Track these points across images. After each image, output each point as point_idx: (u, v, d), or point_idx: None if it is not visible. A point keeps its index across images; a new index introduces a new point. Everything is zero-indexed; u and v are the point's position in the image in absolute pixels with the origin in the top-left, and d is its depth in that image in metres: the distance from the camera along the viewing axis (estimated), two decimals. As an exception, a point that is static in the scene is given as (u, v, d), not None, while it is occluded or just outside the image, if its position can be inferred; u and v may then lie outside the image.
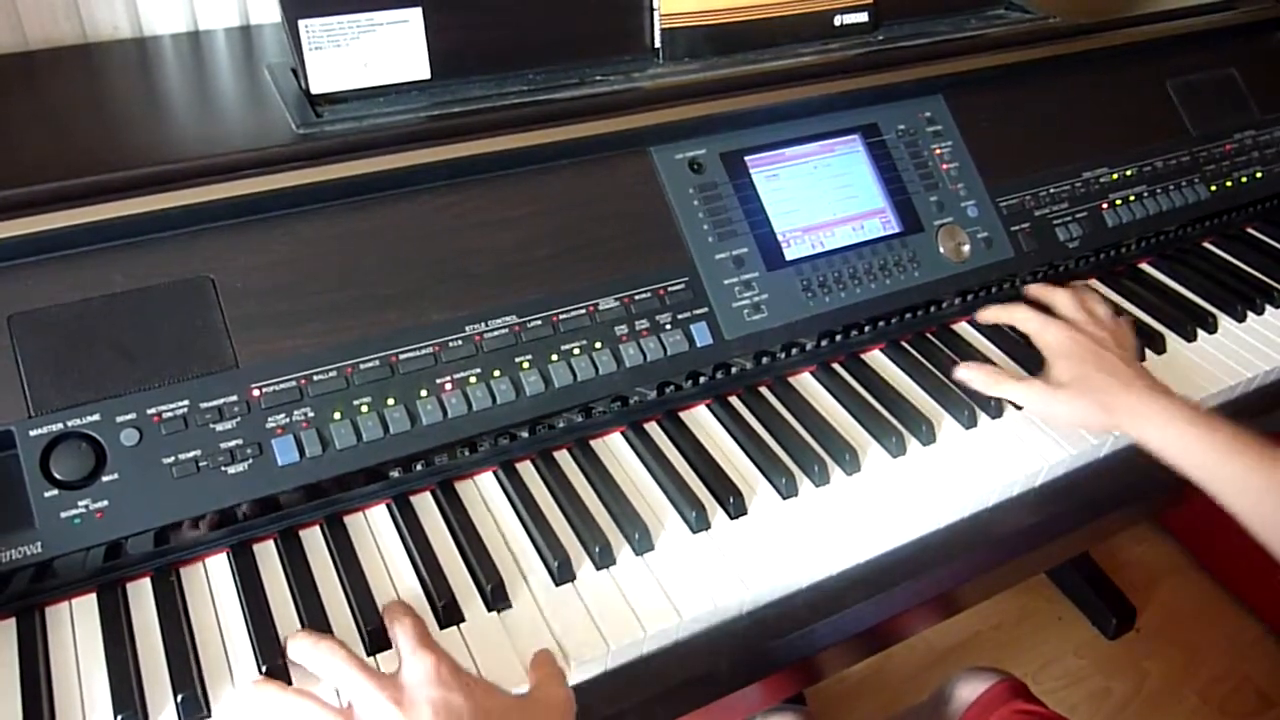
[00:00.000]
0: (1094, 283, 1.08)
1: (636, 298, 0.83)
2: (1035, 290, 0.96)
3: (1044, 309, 0.92)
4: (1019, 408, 0.89)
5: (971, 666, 1.01)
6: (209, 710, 0.63)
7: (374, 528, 0.76)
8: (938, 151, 0.99)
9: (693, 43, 0.96)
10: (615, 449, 0.84)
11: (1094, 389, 0.83)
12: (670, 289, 0.84)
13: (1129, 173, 1.08)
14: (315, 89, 0.84)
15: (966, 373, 0.89)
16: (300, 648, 0.63)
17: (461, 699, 0.58)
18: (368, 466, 0.73)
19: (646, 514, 0.77)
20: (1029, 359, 0.94)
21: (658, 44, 0.95)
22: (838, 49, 1.01)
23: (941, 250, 0.95)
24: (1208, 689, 1.64)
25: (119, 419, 0.68)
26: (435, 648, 0.62)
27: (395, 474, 0.75)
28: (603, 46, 0.94)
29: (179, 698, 0.62)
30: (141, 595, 0.69)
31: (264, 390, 0.71)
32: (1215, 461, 0.76)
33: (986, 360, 0.94)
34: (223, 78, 0.97)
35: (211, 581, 0.71)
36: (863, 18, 1.04)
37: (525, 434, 0.79)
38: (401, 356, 0.75)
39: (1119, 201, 1.06)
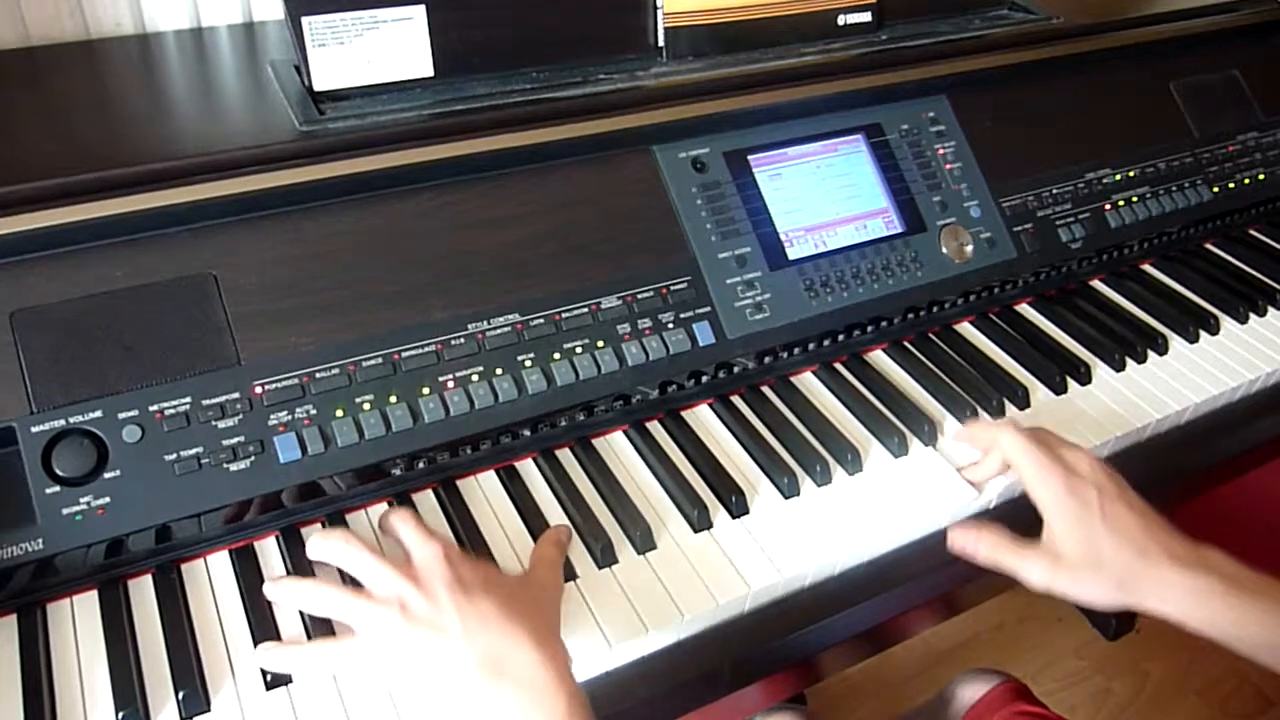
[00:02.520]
0: (1096, 283, 1.08)
1: (639, 296, 0.83)
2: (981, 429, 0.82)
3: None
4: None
5: (973, 668, 1.01)
6: (210, 707, 0.63)
7: (376, 526, 0.76)
8: (941, 152, 0.99)
9: (696, 42, 0.96)
10: (617, 448, 0.84)
11: (1107, 564, 0.70)
12: (673, 288, 0.84)
13: (1132, 174, 1.08)
14: (318, 86, 0.84)
15: (962, 536, 0.76)
16: (314, 543, 0.66)
17: (470, 573, 0.62)
18: (370, 464, 0.73)
19: (648, 513, 0.77)
20: (1042, 368, 0.94)
21: (661, 43, 0.95)
22: (841, 49, 1.01)
23: (944, 250, 0.95)
24: (1208, 690, 1.64)
25: (121, 416, 0.68)
26: (441, 535, 0.65)
27: (397, 472, 0.75)
28: (606, 45, 0.94)
29: (180, 694, 0.62)
30: (143, 592, 0.69)
31: (266, 387, 0.71)
32: (1253, 629, 0.67)
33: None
34: (225, 75, 0.96)
35: (213, 579, 0.71)
36: (866, 17, 1.04)
37: (527, 432, 0.79)
38: (404, 354, 0.75)
39: (1122, 202, 1.06)
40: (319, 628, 0.66)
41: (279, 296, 0.73)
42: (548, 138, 0.83)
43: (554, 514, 0.77)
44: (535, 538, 0.75)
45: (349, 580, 0.65)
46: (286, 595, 0.65)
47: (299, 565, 0.71)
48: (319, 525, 0.75)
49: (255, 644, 0.66)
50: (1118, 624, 1.70)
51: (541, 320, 0.79)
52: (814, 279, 0.90)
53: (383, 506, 0.77)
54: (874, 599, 0.76)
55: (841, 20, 1.02)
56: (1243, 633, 0.68)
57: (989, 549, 0.75)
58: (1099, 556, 0.70)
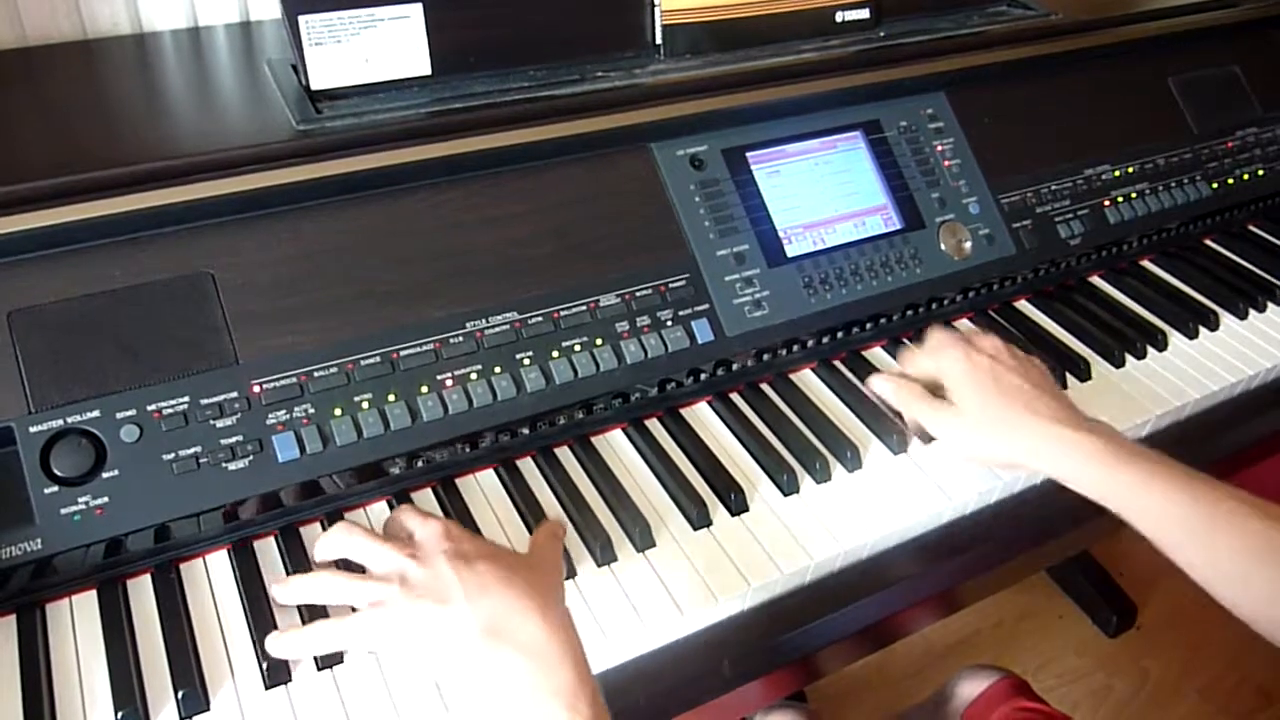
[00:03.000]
0: (1095, 280, 1.08)
1: (638, 294, 0.83)
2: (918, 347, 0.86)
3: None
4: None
5: (973, 664, 1.01)
6: (209, 706, 0.63)
7: (375, 525, 0.75)
8: (939, 148, 0.99)
9: (694, 39, 0.96)
10: (616, 446, 0.84)
11: (997, 422, 0.76)
12: (671, 285, 0.84)
13: (1131, 170, 1.07)
14: (315, 85, 0.84)
15: (880, 384, 0.83)
16: (317, 546, 0.65)
17: (470, 546, 0.62)
18: (368, 463, 0.73)
19: (648, 511, 0.77)
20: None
21: (659, 40, 0.95)
22: (839, 45, 1.01)
23: (943, 247, 0.95)
24: (1209, 687, 1.64)
25: (119, 415, 0.67)
26: (442, 516, 0.65)
27: (396, 470, 0.75)
28: (604, 43, 0.94)
29: (179, 694, 0.62)
30: (142, 592, 0.69)
31: (264, 387, 0.71)
32: (1132, 495, 0.70)
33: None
34: (223, 74, 0.96)
35: (212, 578, 0.71)
36: (864, 14, 1.03)
37: (526, 430, 0.79)
38: (402, 353, 0.75)
39: (1121, 199, 1.06)
40: (316, 617, 0.66)
41: (277, 295, 0.73)
42: (545, 136, 0.83)
43: (553, 512, 0.77)
44: (534, 536, 0.75)
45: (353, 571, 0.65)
46: (291, 593, 0.64)
47: (298, 564, 0.71)
48: (318, 524, 0.75)
49: (255, 643, 0.66)
50: (1118, 621, 1.70)
51: (540, 318, 0.79)
52: (813, 276, 0.90)
53: (381, 505, 0.77)
54: (874, 596, 0.76)
55: (839, 17, 1.02)
56: (1120, 501, 0.70)
57: (903, 399, 0.82)
58: (992, 415, 0.76)
